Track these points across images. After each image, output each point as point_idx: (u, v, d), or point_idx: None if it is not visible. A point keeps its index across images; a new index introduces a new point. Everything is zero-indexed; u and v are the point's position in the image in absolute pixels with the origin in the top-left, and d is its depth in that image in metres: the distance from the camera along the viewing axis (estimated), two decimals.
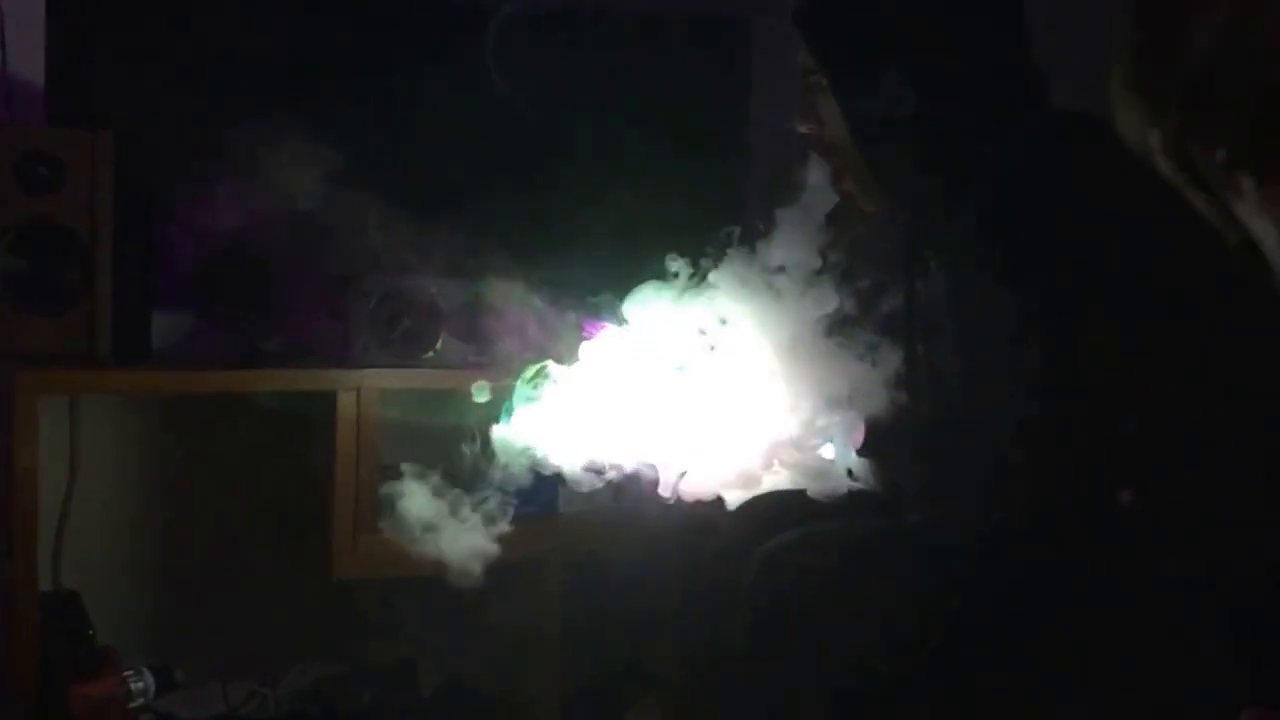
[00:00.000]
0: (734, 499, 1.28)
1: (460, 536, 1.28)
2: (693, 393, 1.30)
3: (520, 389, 1.33)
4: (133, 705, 1.58)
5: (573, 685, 1.84)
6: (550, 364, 1.35)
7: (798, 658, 1.10)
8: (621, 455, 1.28)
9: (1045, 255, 1.02)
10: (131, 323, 1.61)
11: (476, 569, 1.28)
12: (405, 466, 1.44)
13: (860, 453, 1.21)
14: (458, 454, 1.39)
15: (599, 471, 1.28)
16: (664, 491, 1.28)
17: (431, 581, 1.31)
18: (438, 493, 1.30)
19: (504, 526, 1.30)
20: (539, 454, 1.29)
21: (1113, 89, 0.52)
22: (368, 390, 1.62)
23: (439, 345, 1.68)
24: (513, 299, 1.67)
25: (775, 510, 1.23)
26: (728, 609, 1.17)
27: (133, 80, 1.78)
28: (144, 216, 1.65)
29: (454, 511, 1.30)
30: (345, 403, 1.61)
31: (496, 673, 1.88)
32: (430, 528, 1.28)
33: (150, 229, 1.69)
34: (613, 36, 1.98)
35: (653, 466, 1.29)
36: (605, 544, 1.68)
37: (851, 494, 1.24)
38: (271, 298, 1.73)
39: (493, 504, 1.30)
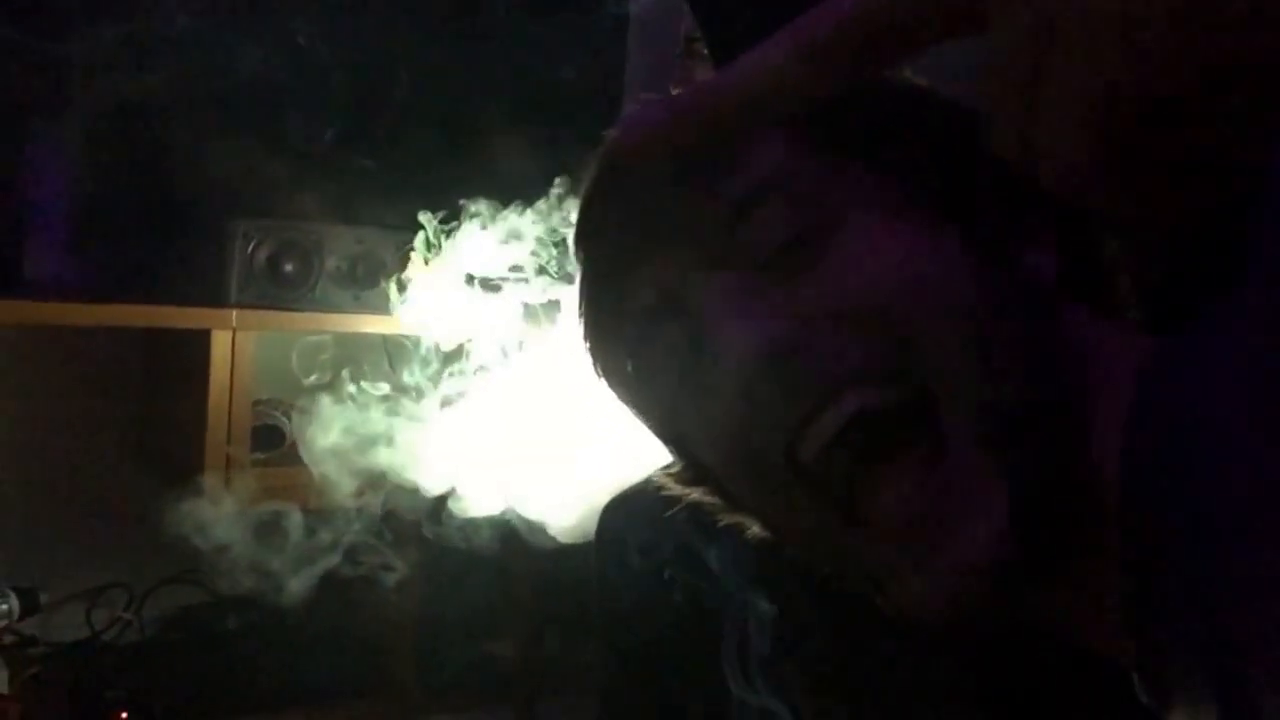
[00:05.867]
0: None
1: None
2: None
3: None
4: None
5: (429, 616, 1.93)
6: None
7: (641, 598, 1.19)
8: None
9: None
10: (2, 252, 1.62)
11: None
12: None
13: None
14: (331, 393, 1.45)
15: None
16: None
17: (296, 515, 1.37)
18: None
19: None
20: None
21: None
22: (243, 330, 1.66)
23: (317, 289, 1.74)
24: (396, 247, 1.73)
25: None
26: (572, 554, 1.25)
27: None
28: (14, 142, 1.65)
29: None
30: (220, 341, 1.65)
31: (358, 603, 1.95)
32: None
33: (21, 156, 1.68)
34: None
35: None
36: None
37: None
38: (149, 233, 1.75)
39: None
